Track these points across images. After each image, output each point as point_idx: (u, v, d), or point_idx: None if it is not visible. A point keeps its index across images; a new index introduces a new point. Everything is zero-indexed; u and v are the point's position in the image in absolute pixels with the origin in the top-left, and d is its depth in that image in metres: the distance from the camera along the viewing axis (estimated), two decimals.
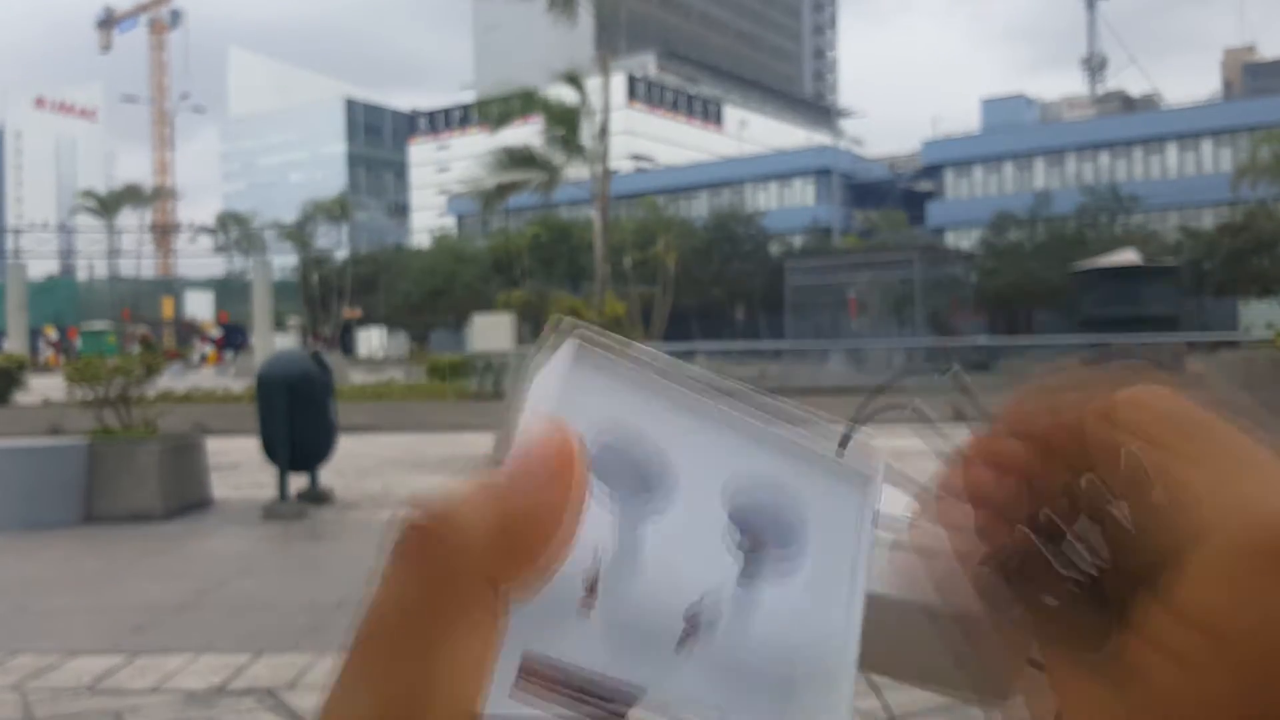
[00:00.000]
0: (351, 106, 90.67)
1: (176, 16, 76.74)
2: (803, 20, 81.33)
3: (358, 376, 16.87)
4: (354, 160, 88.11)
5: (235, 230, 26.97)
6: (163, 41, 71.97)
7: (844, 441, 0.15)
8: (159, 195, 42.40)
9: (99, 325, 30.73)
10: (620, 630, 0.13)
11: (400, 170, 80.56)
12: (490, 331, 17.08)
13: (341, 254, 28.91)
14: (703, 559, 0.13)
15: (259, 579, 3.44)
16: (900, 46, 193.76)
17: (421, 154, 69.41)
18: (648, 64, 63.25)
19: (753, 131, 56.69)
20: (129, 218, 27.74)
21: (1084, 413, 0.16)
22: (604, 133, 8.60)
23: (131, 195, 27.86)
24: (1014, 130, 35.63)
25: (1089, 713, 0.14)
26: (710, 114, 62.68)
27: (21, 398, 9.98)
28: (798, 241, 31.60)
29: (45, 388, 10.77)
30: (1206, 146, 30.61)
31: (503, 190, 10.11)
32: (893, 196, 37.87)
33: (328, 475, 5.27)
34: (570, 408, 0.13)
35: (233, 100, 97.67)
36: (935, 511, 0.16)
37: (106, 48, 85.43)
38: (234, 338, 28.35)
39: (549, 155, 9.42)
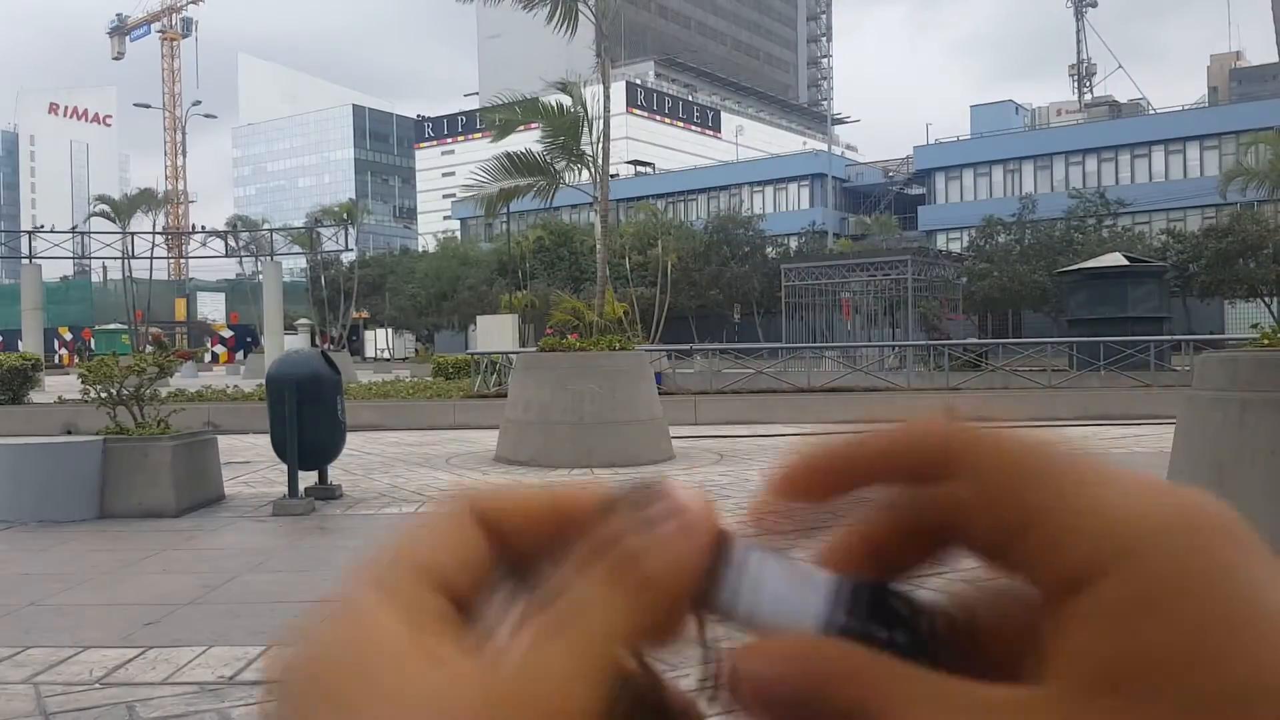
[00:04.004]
0: (359, 113, 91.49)
1: (188, 24, 77.71)
2: (798, 29, 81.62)
3: (365, 376, 17.13)
4: (362, 165, 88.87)
5: (245, 234, 27.35)
6: (174, 49, 72.84)
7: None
8: (172, 200, 42.97)
9: (113, 326, 31.26)
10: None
11: (407, 175, 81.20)
12: (494, 332, 17.34)
13: (349, 257, 29.26)
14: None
15: (269, 573, 3.51)
16: (867, 58, 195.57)
17: (428, 159, 69.96)
18: (647, 72, 63.71)
19: (749, 137, 56.96)
20: (142, 221, 28.17)
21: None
22: (605, 138, 8.80)
23: (145, 199, 28.27)
24: (1003, 135, 35.84)
25: None
26: (708, 120, 63.05)
27: (36, 396, 10.19)
28: (793, 244, 31.94)
29: (59, 387, 11.00)
30: (1193, 151, 30.69)
31: (505, 195, 10.33)
32: (885, 200, 38.09)
33: (336, 472, 5.43)
34: None
35: (243, 106, 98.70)
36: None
37: (119, 55, 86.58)
38: (244, 338, 28.73)
39: (551, 161, 9.63)
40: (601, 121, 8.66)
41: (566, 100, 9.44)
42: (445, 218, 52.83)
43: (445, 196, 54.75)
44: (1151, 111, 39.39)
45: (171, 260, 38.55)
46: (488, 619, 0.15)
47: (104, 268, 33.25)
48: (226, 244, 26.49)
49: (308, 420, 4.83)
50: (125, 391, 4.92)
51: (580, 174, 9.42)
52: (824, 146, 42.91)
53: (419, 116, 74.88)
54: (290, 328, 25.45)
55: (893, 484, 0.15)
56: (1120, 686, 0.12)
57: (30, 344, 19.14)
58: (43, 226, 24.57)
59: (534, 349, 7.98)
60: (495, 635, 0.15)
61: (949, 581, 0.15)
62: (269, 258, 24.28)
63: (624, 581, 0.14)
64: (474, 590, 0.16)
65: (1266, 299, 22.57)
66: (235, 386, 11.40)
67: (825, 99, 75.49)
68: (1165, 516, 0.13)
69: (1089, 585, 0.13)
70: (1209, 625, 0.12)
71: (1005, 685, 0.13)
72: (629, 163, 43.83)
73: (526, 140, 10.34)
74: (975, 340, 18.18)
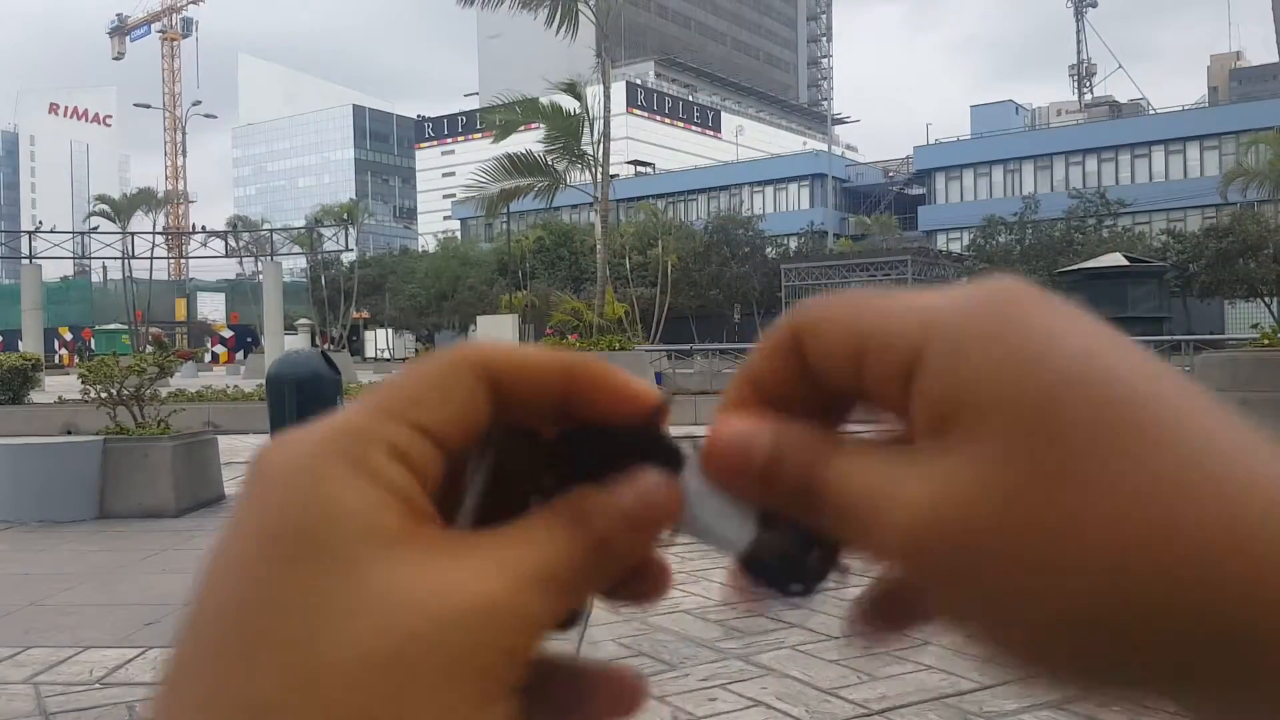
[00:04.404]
0: (359, 113, 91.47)
1: (188, 24, 77.76)
2: (798, 29, 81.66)
3: (365, 376, 17.12)
4: (362, 165, 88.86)
5: (246, 234, 27.36)
6: (174, 49, 72.86)
7: None
8: (171, 200, 42.99)
9: (113, 326, 31.25)
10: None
11: (408, 175, 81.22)
12: (494, 332, 17.32)
13: (349, 257, 29.25)
14: None
15: None
16: (867, 58, 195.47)
17: (428, 159, 69.98)
18: (647, 72, 63.73)
19: (749, 137, 56.98)
20: (142, 221, 28.20)
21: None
22: (605, 139, 8.80)
23: (145, 199, 28.32)
24: (1003, 136, 35.90)
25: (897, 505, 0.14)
26: (708, 120, 63.09)
27: (37, 397, 10.18)
28: (793, 244, 31.98)
29: (60, 387, 11.01)
30: (1193, 151, 30.72)
31: (506, 195, 10.34)
32: (885, 200, 38.10)
33: None
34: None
35: (243, 106, 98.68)
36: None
37: (119, 55, 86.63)
38: (245, 338, 28.72)
39: (552, 161, 9.65)
40: (602, 122, 8.67)
41: (566, 101, 9.45)
42: (445, 218, 52.85)
43: (445, 196, 54.74)
44: (1151, 112, 39.43)
45: (171, 260, 38.56)
46: (474, 483, 0.16)
47: (104, 268, 33.26)
48: (226, 244, 26.50)
49: (308, 420, 4.80)
50: (125, 391, 4.91)
51: (581, 174, 9.42)
52: (824, 146, 42.95)
53: (419, 116, 74.88)
54: (290, 328, 25.41)
55: (796, 383, 0.16)
56: (944, 425, 0.14)
57: (30, 344, 19.14)
58: (42, 225, 24.59)
59: None
60: (476, 516, 0.16)
61: None
62: (269, 258, 24.29)
63: (596, 558, 0.15)
64: (467, 446, 0.16)
65: (1266, 299, 22.57)
66: (235, 386, 11.39)
67: (825, 99, 75.52)
68: (962, 294, 0.15)
69: (916, 370, 0.14)
70: (1000, 361, 0.14)
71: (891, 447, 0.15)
72: (629, 163, 43.78)
73: (527, 140, 10.34)
74: None
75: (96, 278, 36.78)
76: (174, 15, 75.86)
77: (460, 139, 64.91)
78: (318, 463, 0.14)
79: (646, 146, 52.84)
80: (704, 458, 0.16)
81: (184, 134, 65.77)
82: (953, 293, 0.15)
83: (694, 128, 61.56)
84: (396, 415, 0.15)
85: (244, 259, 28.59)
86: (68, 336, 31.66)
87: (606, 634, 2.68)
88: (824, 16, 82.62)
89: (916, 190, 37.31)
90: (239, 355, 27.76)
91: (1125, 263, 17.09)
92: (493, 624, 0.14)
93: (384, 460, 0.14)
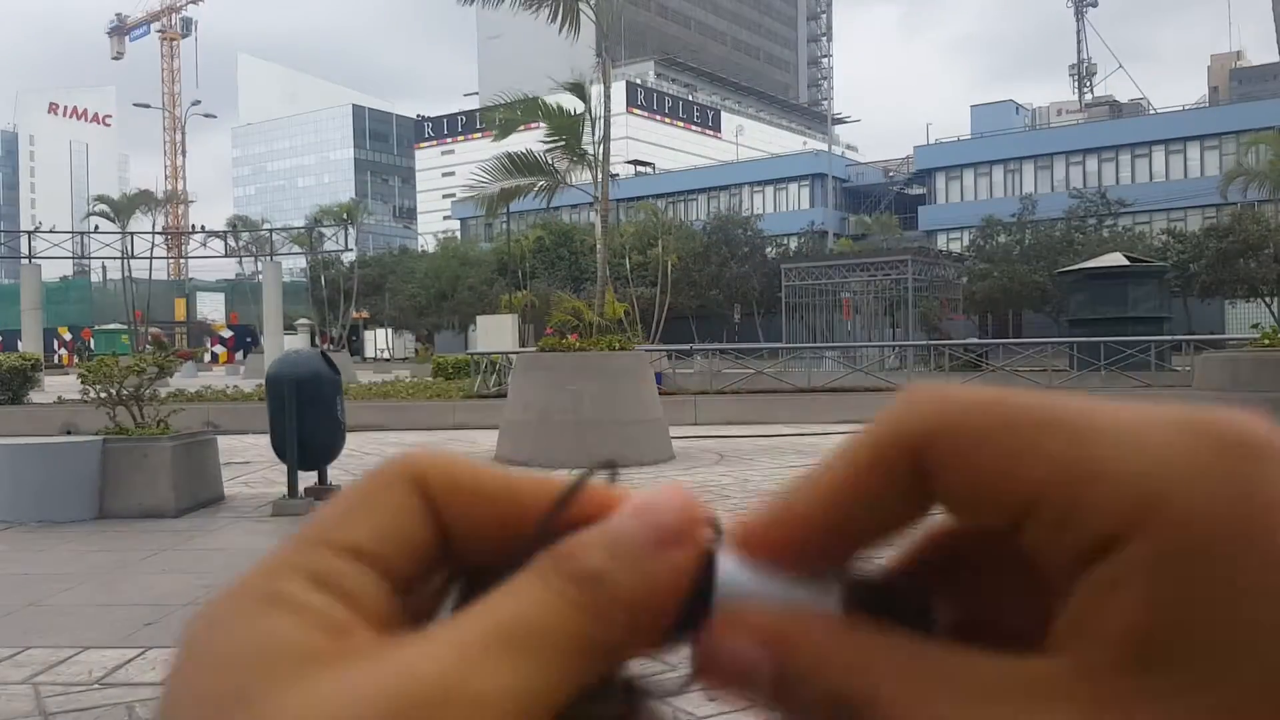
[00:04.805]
0: (359, 112, 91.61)
1: (188, 24, 77.86)
2: (798, 29, 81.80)
3: (365, 376, 17.12)
4: (362, 165, 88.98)
5: (245, 234, 27.39)
6: (174, 49, 72.96)
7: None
8: (171, 200, 42.98)
9: (113, 326, 31.29)
10: None
11: (407, 175, 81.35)
12: (494, 332, 17.37)
13: (349, 257, 29.29)
14: None
15: None
16: (868, 58, 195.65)
17: (428, 159, 70.07)
18: (647, 72, 63.84)
19: (749, 137, 57.11)
20: (142, 221, 28.25)
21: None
22: (605, 139, 8.80)
23: (144, 200, 28.35)
24: (1003, 135, 35.97)
25: None
26: (708, 120, 63.17)
27: (36, 396, 10.20)
28: (793, 244, 32.04)
29: (59, 387, 11.02)
30: (1193, 151, 30.78)
31: (506, 195, 10.36)
32: (886, 200, 38.21)
33: (336, 472, 5.38)
34: None
35: (243, 106, 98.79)
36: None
37: (119, 55, 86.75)
38: (244, 338, 28.80)
39: (553, 161, 9.66)
40: (602, 121, 8.65)
41: (567, 100, 9.46)
42: (445, 218, 52.93)
43: (445, 196, 54.79)
44: (1152, 111, 39.53)
45: (171, 260, 38.57)
46: (425, 606, 0.14)
47: (104, 268, 33.27)
48: (226, 244, 26.51)
49: (307, 420, 4.81)
50: (125, 391, 4.91)
51: (581, 174, 9.43)
52: (824, 146, 43.01)
53: (419, 116, 74.93)
54: (290, 328, 25.45)
55: (880, 526, 0.13)
56: (1152, 663, 0.10)
57: (30, 344, 19.16)
58: (41, 225, 24.60)
59: (534, 349, 7.98)
60: (430, 630, 0.13)
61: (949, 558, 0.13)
62: (269, 258, 24.31)
63: (587, 599, 0.12)
64: (411, 570, 0.14)
65: (1267, 299, 22.63)
66: (235, 386, 11.40)
67: (825, 99, 75.63)
68: (1191, 450, 0.10)
69: (1110, 552, 0.11)
70: (1262, 575, 0.10)
71: (1014, 658, 0.11)
72: (629, 162, 43.82)
73: (527, 140, 10.35)
74: (976, 340, 18.23)
75: (96, 278, 36.81)
76: (173, 15, 75.91)
77: (460, 139, 64.96)
78: (231, 610, 0.13)
79: (646, 146, 52.88)
80: (700, 660, 0.14)
81: (184, 134, 65.84)
82: (1176, 443, 0.11)
83: (694, 128, 61.64)
84: (318, 542, 0.13)
85: (244, 259, 28.60)
86: (67, 336, 31.71)
87: None
88: (824, 16, 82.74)
89: (917, 190, 37.38)
90: (238, 355, 27.82)
91: (1126, 263, 17.10)
92: (436, 713, 0.11)
93: (302, 590, 0.13)
